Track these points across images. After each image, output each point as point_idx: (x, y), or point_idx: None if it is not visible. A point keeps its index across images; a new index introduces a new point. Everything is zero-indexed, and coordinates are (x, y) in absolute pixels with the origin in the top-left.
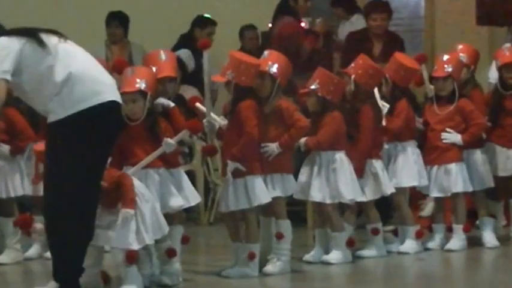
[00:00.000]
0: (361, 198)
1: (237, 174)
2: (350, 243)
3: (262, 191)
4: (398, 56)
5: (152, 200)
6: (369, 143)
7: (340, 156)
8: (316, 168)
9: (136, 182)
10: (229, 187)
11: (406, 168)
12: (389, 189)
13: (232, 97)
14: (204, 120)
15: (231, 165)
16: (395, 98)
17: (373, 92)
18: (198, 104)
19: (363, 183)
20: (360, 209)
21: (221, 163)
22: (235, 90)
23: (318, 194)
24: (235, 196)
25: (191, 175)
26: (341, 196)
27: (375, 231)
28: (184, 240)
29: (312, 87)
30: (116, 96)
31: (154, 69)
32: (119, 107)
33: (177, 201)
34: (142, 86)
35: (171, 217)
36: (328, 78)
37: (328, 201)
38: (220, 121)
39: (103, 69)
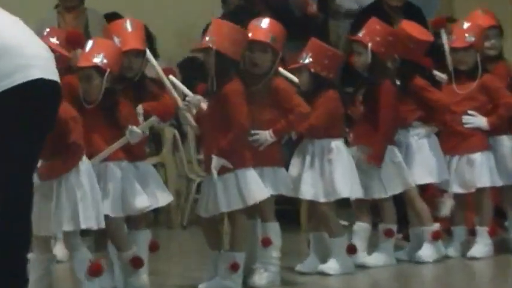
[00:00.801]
0: (359, 195)
1: (224, 169)
2: (351, 250)
3: (258, 185)
4: (405, 25)
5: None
6: (391, 125)
7: (337, 145)
8: (308, 159)
9: (84, 166)
10: (214, 186)
11: (422, 161)
12: (412, 182)
13: (212, 72)
14: (180, 107)
15: (217, 162)
16: (405, 77)
17: (389, 65)
18: (172, 78)
19: (382, 174)
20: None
21: (195, 152)
22: (216, 61)
23: (309, 190)
24: (226, 195)
25: (160, 168)
26: (336, 193)
27: (389, 233)
28: (153, 247)
29: (304, 61)
30: (49, 73)
31: (117, 41)
32: (52, 86)
33: (142, 201)
34: (99, 60)
35: (136, 220)
36: (322, 51)
37: (322, 199)
38: (194, 98)
39: (36, 39)
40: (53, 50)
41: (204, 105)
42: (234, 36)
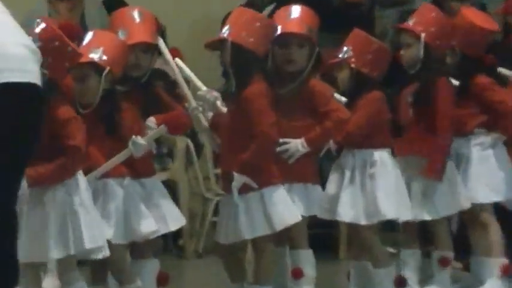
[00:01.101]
0: (407, 217)
1: (247, 188)
2: (400, 283)
3: (288, 207)
4: (467, 12)
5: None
6: (450, 130)
7: (381, 156)
8: (347, 174)
9: (83, 184)
10: (236, 208)
11: (485, 175)
12: (467, 202)
13: (229, 70)
14: (192, 107)
15: (238, 179)
16: (464, 75)
17: (446, 60)
18: (179, 63)
19: (435, 191)
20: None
21: (213, 166)
22: (233, 56)
23: (348, 211)
24: (249, 219)
25: (171, 186)
26: (380, 214)
27: (444, 262)
28: (162, 279)
29: (344, 56)
30: (28, 76)
31: (123, 33)
32: (30, 91)
33: (149, 225)
34: (97, 56)
35: (141, 248)
36: (365, 44)
37: (363, 221)
38: (208, 94)
39: (17, 34)
40: (64, 44)
41: (223, 107)
42: (257, 26)
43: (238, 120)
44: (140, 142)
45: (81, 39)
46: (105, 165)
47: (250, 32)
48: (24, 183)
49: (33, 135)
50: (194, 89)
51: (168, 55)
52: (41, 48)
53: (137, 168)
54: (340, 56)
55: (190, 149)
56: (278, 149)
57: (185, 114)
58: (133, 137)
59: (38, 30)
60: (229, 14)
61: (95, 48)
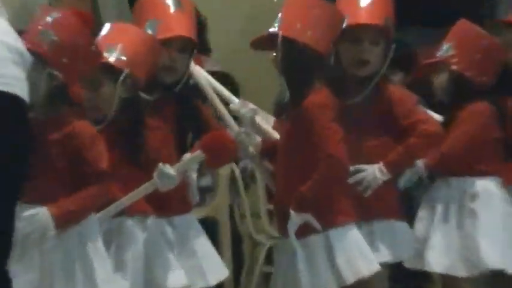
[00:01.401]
0: None
1: (309, 229)
2: None
3: (363, 253)
4: None
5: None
6: None
7: (486, 187)
8: (440, 210)
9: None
10: (294, 255)
11: None
12: None
13: (281, 75)
14: (235, 131)
15: (297, 217)
16: None
17: None
18: (201, 72)
19: None
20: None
21: (265, 200)
22: (285, 56)
23: (441, 258)
24: (312, 269)
25: (211, 226)
26: (483, 263)
27: None
28: None
29: (443, 54)
30: (9, 85)
31: (153, 25)
32: (12, 104)
33: (177, 278)
34: (112, 56)
35: None
36: (474, 39)
37: (460, 273)
38: (252, 114)
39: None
40: (87, 41)
41: (265, 125)
42: (315, 16)
43: (295, 142)
44: (169, 172)
45: (95, 33)
46: (122, 200)
47: (307, 23)
48: (45, 221)
49: (19, 156)
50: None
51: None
52: (56, 44)
53: (165, 203)
54: (439, 54)
55: (236, 179)
56: (350, 179)
57: (231, 139)
58: (161, 164)
59: (50, 20)
60: None
61: (110, 45)
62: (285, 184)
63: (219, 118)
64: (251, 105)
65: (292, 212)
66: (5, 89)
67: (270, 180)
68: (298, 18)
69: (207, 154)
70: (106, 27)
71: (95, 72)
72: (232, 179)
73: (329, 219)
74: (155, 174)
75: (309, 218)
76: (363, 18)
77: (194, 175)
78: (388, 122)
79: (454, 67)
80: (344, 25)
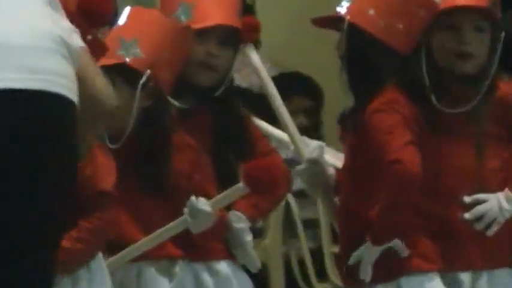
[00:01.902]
0: None
1: (379, 275)
2: None
3: None
4: None
5: None
6: None
7: None
8: None
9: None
10: None
11: None
12: None
13: (346, 78)
14: (297, 169)
15: (371, 254)
16: None
17: None
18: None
19: None
20: None
21: (329, 241)
22: (351, 47)
23: None
24: None
25: (260, 272)
26: None
27: None
28: None
29: None
30: (49, 82)
31: (186, 11)
32: (52, 105)
33: None
34: (128, 53)
35: None
36: None
37: None
38: (320, 152)
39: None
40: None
41: (332, 158)
42: (399, 3)
43: (360, 161)
44: (203, 208)
45: (112, 21)
46: (143, 242)
47: (383, 10)
48: None
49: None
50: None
51: (256, 57)
52: None
53: (201, 245)
54: None
55: (292, 214)
56: (467, 215)
57: (285, 169)
58: (193, 198)
59: None
60: None
61: (126, 39)
62: (351, 217)
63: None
64: (315, 142)
65: (364, 247)
66: (44, 87)
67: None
68: (372, 2)
69: (252, 188)
70: (126, 13)
71: (107, 75)
72: (287, 214)
73: (402, 262)
74: (186, 210)
75: (395, 243)
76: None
77: (248, 237)
78: (508, 135)
79: None
80: (436, 9)
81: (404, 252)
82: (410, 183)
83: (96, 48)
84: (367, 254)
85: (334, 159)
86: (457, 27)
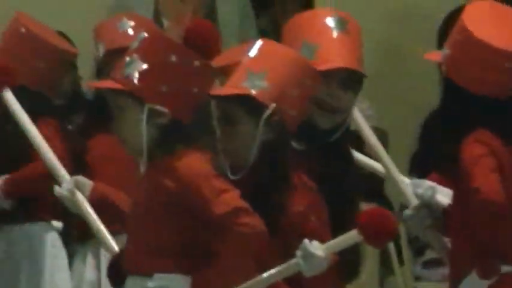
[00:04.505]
0: None
1: None
2: None
3: None
4: None
5: None
6: None
7: None
8: None
9: None
10: None
11: None
12: None
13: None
14: (406, 214)
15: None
16: None
17: None
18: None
19: None
20: None
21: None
22: (448, 97)
23: None
24: None
25: None
26: None
27: None
28: None
29: None
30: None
31: (310, 49)
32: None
33: None
34: (255, 88)
35: None
36: None
37: None
38: (431, 193)
39: None
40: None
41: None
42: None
43: (461, 203)
44: (316, 253)
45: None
46: (256, 281)
47: (485, 68)
48: None
49: None
50: None
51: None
52: (144, 72)
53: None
54: None
55: (388, 248)
56: None
57: (393, 216)
58: (306, 241)
59: (136, 45)
60: (457, 12)
61: (253, 71)
62: (456, 255)
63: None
64: (428, 183)
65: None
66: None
67: (442, 250)
68: (475, 61)
69: (365, 235)
70: (253, 47)
71: (230, 105)
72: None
73: None
74: (299, 253)
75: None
76: None
77: None
78: None
79: None
80: None
81: None
82: (495, 215)
83: (206, 71)
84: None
85: (445, 197)
86: None
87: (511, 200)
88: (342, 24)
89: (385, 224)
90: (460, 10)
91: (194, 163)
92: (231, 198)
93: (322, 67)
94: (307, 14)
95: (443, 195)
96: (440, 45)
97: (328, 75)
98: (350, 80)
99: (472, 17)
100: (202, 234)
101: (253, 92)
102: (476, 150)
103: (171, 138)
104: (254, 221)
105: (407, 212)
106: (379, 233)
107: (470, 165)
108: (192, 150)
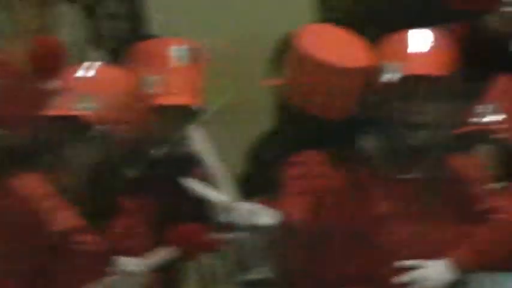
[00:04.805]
0: None
1: None
2: None
3: None
4: None
5: None
6: None
7: None
8: None
9: None
10: None
11: None
12: None
13: None
14: None
15: None
16: None
17: None
18: None
19: None
20: None
21: None
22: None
23: None
24: None
25: None
26: None
27: None
28: None
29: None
30: None
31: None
32: None
33: None
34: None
35: None
36: None
37: None
38: None
39: None
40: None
41: None
42: None
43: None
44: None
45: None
46: None
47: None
48: None
49: None
50: None
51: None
52: None
53: None
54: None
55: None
56: None
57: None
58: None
59: None
60: (288, 39)
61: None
62: None
63: None
64: (248, 205)
65: None
66: None
67: None
68: (312, 82)
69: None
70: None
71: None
72: None
73: None
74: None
75: None
76: None
77: None
78: None
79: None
80: None
81: None
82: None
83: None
84: None
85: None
86: None
87: (341, 221)
88: (184, 54)
89: (192, 238)
90: (290, 36)
91: (31, 183)
92: (67, 217)
93: (160, 101)
94: (151, 43)
95: (267, 216)
96: (275, 71)
97: (163, 108)
98: (185, 114)
99: (307, 40)
100: (42, 254)
101: (82, 113)
102: (291, 171)
103: (6, 159)
104: (92, 239)
105: (230, 235)
106: (188, 247)
107: (282, 186)
108: (30, 171)
